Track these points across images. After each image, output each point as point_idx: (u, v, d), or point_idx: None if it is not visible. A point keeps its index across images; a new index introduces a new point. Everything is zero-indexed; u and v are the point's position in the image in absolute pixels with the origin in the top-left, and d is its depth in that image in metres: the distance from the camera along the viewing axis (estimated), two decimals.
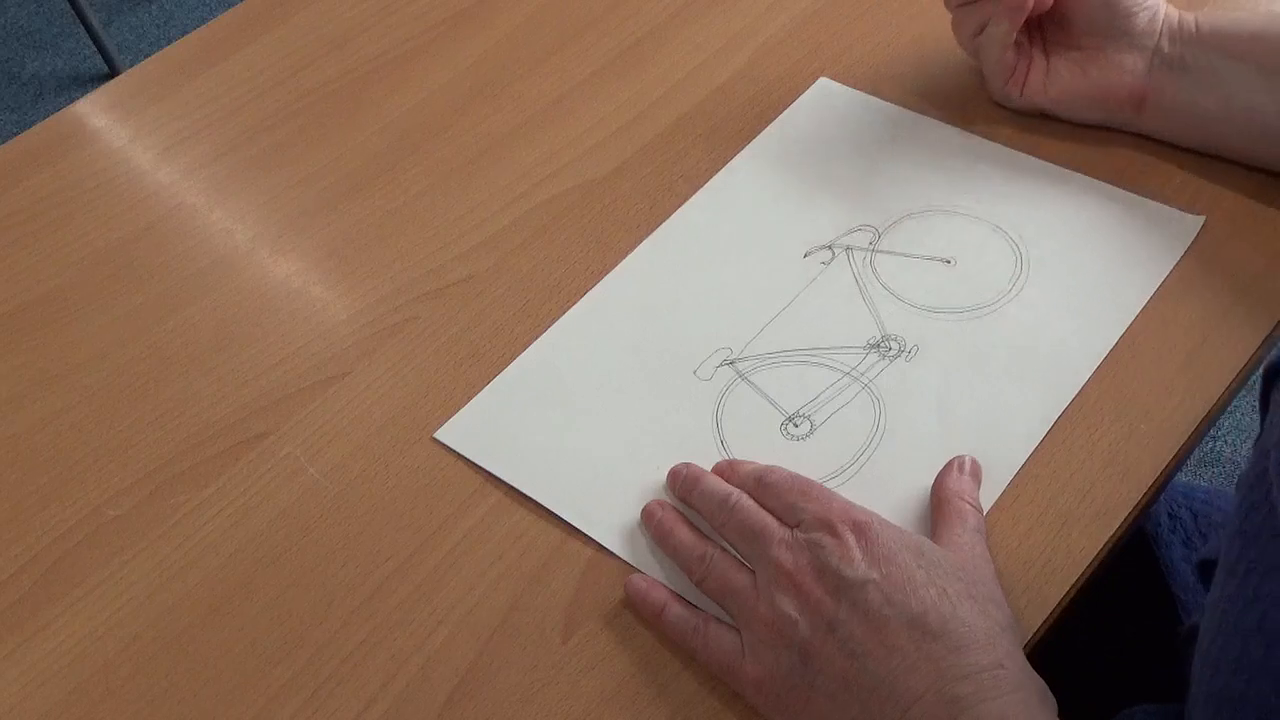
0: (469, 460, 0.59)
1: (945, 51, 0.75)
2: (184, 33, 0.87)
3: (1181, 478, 0.63)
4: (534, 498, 0.57)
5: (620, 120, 0.75)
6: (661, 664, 0.52)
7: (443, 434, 0.60)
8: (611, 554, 0.55)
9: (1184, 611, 0.65)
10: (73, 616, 0.57)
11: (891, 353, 0.61)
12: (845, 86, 0.75)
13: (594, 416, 0.60)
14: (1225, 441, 1.48)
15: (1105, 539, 0.53)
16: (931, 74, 0.74)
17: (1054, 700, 0.46)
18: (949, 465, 0.54)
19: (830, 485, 0.56)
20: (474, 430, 0.60)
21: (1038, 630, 0.50)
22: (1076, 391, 0.58)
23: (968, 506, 0.52)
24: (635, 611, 0.53)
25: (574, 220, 0.70)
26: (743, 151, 0.72)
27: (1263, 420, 0.44)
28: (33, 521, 0.61)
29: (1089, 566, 0.52)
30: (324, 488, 0.60)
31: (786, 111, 0.73)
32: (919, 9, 0.78)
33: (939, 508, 0.53)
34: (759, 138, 0.72)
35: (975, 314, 0.62)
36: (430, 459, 0.60)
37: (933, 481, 0.55)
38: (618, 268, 0.66)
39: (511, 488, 0.58)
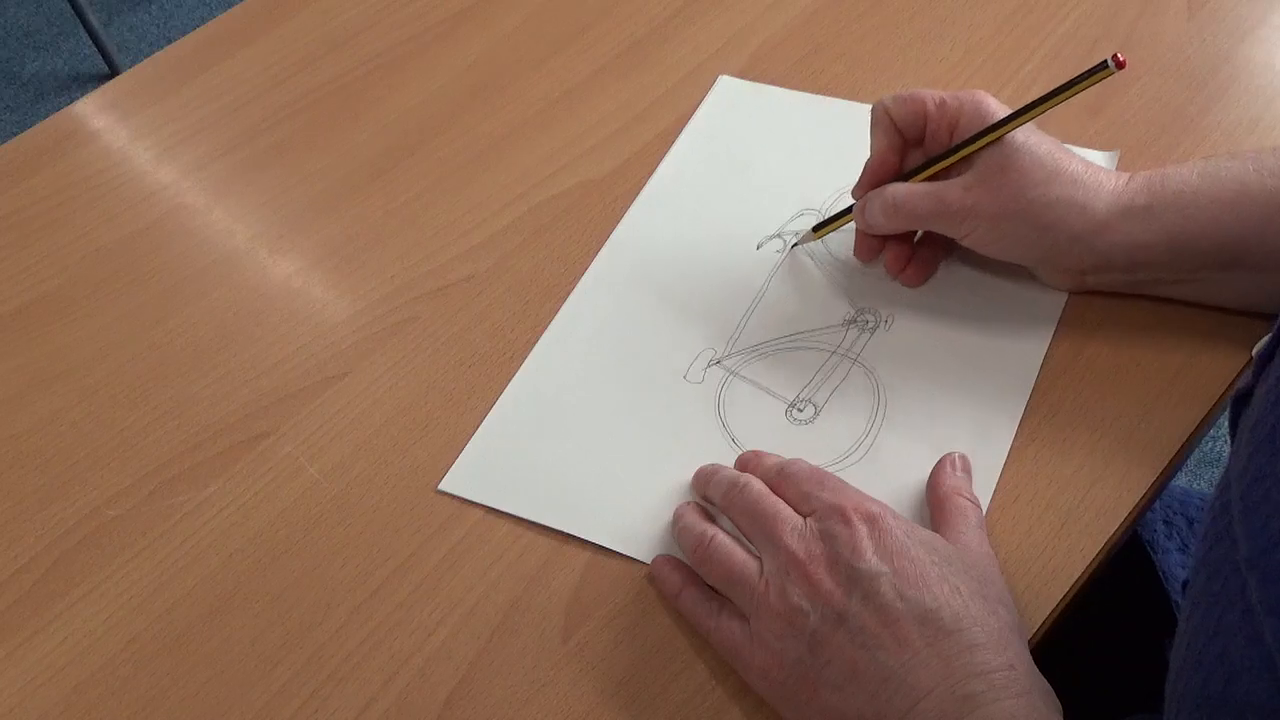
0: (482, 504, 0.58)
1: (945, 51, 0.75)
2: (184, 33, 0.88)
3: (1182, 478, 0.63)
4: (560, 528, 0.56)
5: (620, 120, 0.75)
6: (661, 664, 0.52)
7: (446, 485, 0.59)
8: (611, 554, 0.55)
9: (1180, 617, 0.65)
10: (73, 616, 0.57)
11: (870, 325, 0.62)
12: (748, 81, 0.76)
13: (597, 439, 0.60)
14: (1225, 442, 1.47)
15: (1105, 539, 0.53)
16: (934, 73, 0.74)
17: (1059, 704, 0.46)
18: (941, 463, 0.55)
19: (850, 461, 0.57)
20: (477, 475, 0.59)
21: (1038, 630, 0.50)
22: (1057, 321, 0.60)
23: (967, 502, 0.52)
24: (656, 589, 0.54)
25: (574, 220, 0.70)
26: (662, 163, 0.72)
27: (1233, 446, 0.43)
28: (33, 521, 0.61)
29: (1089, 566, 0.52)
30: (324, 488, 0.60)
31: (696, 114, 0.74)
32: (918, 8, 0.78)
33: (939, 506, 0.53)
34: (675, 145, 0.73)
35: (937, 271, 0.63)
36: (430, 459, 0.60)
37: (927, 480, 0.55)
38: (574, 291, 0.66)
39: None
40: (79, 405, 0.65)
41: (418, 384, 0.63)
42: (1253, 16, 0.74)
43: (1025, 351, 0.59)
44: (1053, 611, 0.51)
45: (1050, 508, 0.54)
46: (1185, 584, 0.58)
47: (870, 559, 0.48)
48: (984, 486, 0.55)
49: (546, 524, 0.57)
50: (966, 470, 0.55)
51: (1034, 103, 0.56)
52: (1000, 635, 0.46)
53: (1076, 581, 0.52)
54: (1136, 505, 0.54)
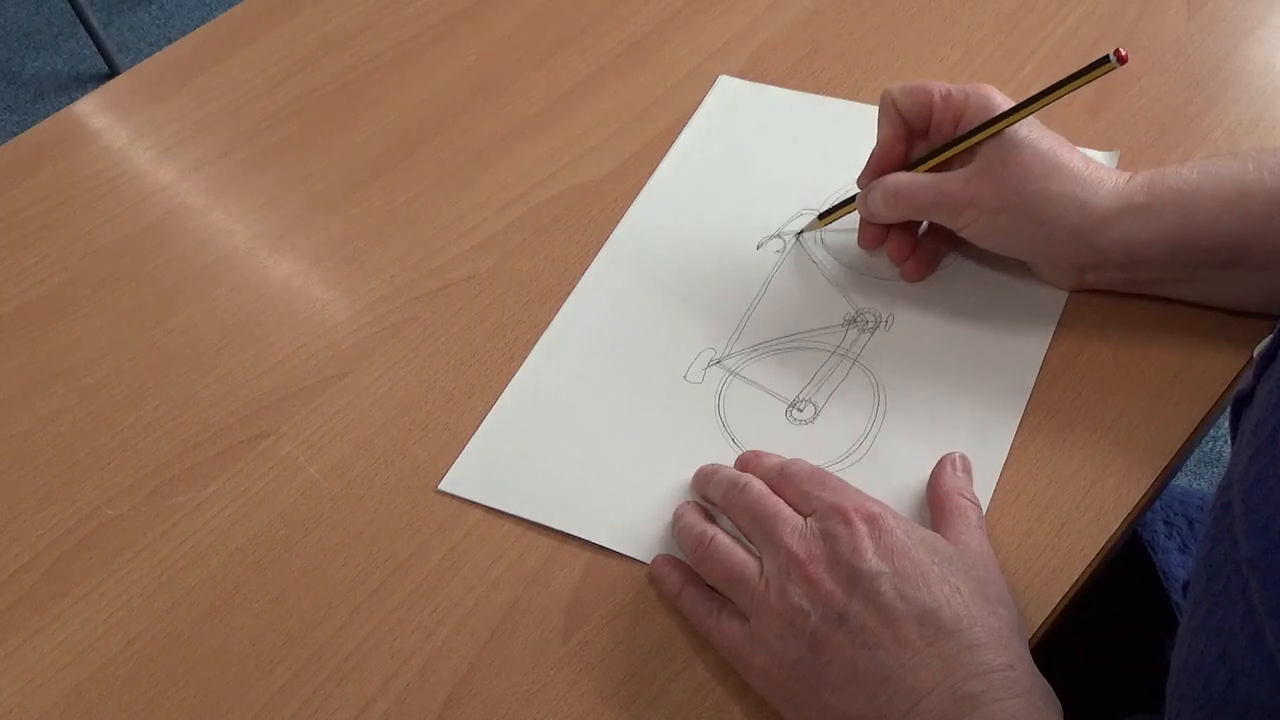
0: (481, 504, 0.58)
1: (945, 51, 0.75)
2: (184, 33, 0.88)
3: (1181, 478, 0.63)
4: (560, 528, 0.56)
5: (620, 120, 0.75)
6: (661, 664, 0.52)
7: (446, 485, 0.59)
8: (611, 554, 0.55)
9: (1181, 618, 0.65)
10: (73, 616, 0.57)
11: (870, 325, 0.62)
12: (748, 81, 0.76)
13: (598, 438, 0.60)
14: (1225, 442, 1.47)
15: (1105, 539, 0.53)
16: (933, 73, 0.74)
17: (1059, 704, 0.46)
18: (941, 463, 0.55)
19: (850, 461, 0.57)
20: (477, 474, 0.59)
21: (1038, 630, 0.50)
22: (1057, 320, 0.60)
23: (967, 502, 0.52)
24: (655, 589, 0.54)
25: (574, 220, 0.70)
26: (662, 162, 0.72)
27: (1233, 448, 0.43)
28: (33, 521, 0.61)
29: (1089, 566, 0.52)
30: (324, 488, 0.60)
31: (696, 114, 0.74)
32: (918, 8, 0.78)
33: (939, 506, 0.53)
34: (675, 145, 0.73)
35: (936, 271, 0.63)
36: (430, 459, 0.60)
37: (927, 480, 0.55)
38: (573, 293, 0.66)
39: None
40: (79, 405, 0.65)
41: (418, 384, 0.63)
42: (1253, 16, 0.74)
43: (1025, 351, 0.59)
44: (1053, 611, 0.51)
45: (1050, 508, 0.54)
46: (1186, 584, 0.58)
47: (871, 559, 0.48)
48: (984, 486, 0.55)
49: (546, 524, 0.57)
50: (967, 470, 0.55)
51: (1036, 96, 0.56)
52: (1000, 635, 0.46)
53: (1076, 581, 0.52)
54: (1136, 505, 0.54)
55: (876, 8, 0.79)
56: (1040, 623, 0.51)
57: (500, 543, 0.57)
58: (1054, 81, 0.56)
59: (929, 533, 0.50)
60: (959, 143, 0.58)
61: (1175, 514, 0.70)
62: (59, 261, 0.73)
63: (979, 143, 0.58)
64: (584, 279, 0.67)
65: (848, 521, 0.49)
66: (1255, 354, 0.42)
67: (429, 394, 0.63)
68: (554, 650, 0.53)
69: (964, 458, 0.55)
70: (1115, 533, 0.53)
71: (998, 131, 0.57)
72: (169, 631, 0.56)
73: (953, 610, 0.46)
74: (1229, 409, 0.44)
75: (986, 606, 0.47)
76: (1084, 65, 0.55)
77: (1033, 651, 0.48)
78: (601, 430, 0.60)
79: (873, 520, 0.49)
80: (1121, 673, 0.64)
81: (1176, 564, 0.67)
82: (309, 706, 0.53)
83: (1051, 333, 0.60)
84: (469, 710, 0.52)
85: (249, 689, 0.53)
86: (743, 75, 0.76)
